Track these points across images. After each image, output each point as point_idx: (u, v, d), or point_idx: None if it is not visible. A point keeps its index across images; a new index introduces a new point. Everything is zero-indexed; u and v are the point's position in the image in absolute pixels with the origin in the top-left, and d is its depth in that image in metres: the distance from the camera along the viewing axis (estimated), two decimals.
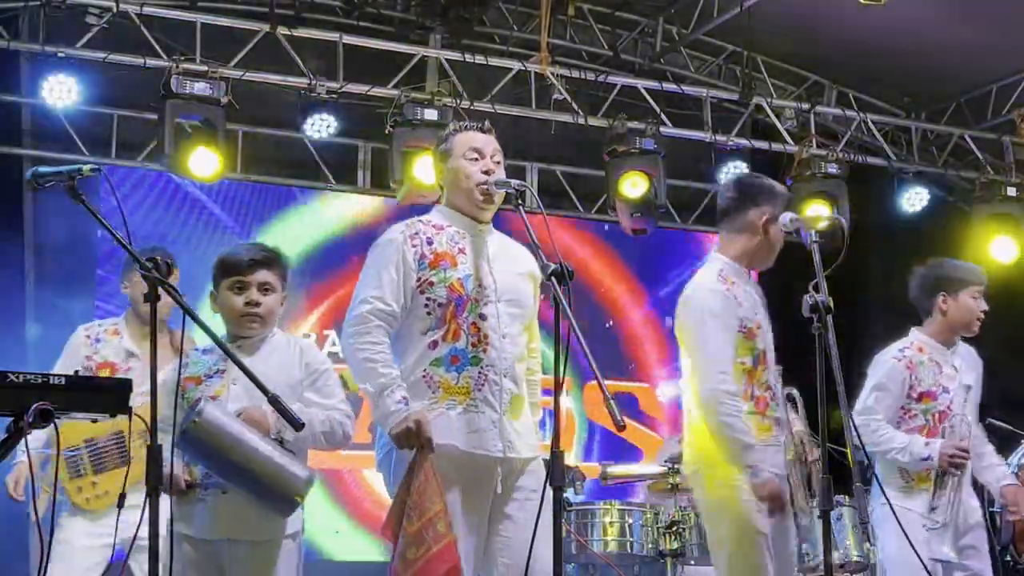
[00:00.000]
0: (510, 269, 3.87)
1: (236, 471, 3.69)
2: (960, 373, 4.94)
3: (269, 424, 3.75)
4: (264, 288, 3.94)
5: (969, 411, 4.91)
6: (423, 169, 7.35)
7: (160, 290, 3.28)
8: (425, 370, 3.73)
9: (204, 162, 7.18)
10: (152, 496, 3.13)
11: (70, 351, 4.85)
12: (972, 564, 4.81)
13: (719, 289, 4.19)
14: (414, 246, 3.78)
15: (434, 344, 3.74)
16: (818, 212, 8.10)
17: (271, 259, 4.00)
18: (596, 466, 7.65)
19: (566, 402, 8.39)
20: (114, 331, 4.88)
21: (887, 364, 4.92)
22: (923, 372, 4.87)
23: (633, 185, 8.10)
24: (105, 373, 4.69)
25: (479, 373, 3.72)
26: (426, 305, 3.75)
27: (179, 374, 3.58)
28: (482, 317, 3.75)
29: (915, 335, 5.00)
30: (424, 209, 4.06)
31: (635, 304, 9.21)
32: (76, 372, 3.83)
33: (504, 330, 3.77)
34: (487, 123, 3.98)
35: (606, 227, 9.09)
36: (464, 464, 3.69)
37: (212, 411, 3.64)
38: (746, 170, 8.53)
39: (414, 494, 3.54)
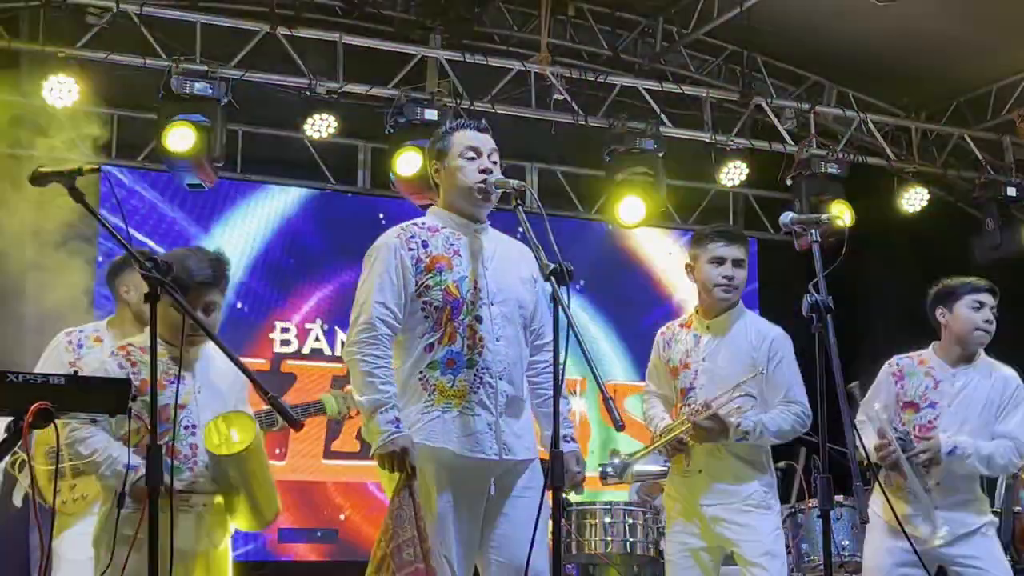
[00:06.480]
0: (506, 271, 3.85)
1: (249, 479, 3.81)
2: (968, 393, 4.70)
3: None
4: (208, 307, 3.81)
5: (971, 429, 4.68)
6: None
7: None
8: (421, 372, 3.72)
9: None
10: (152, 497, 3.14)
11: (52, 356, 4.65)
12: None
13: (659, 332, 4.85)
14: (410, 250, 3.75)
15: (430, 347, 3.73)
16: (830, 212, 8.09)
17: (219, 277, 3.86)
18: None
19: (579, 405, 8.37)
20: (96, 338, 4.66)
21: (881, 370, 4.88)
22: (911, 383, 4.76)
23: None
24: None
25: (474, 376, 3.71)
26: (423, 309, 3.74)
27: (178, 380, 3.55)
28: (478, 320, 3.73)
29: (927, 350, 4.85)
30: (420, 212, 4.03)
31: (634, 304, 9.18)
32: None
33: (498, 332, 3.75)
34: (483, 122, 3.96)
35: (608, 227, 9.08)
36: (458, 468, 3.68)
37: None
38: (745, 170, 8.57)
39: (389, 518, 3.55)
